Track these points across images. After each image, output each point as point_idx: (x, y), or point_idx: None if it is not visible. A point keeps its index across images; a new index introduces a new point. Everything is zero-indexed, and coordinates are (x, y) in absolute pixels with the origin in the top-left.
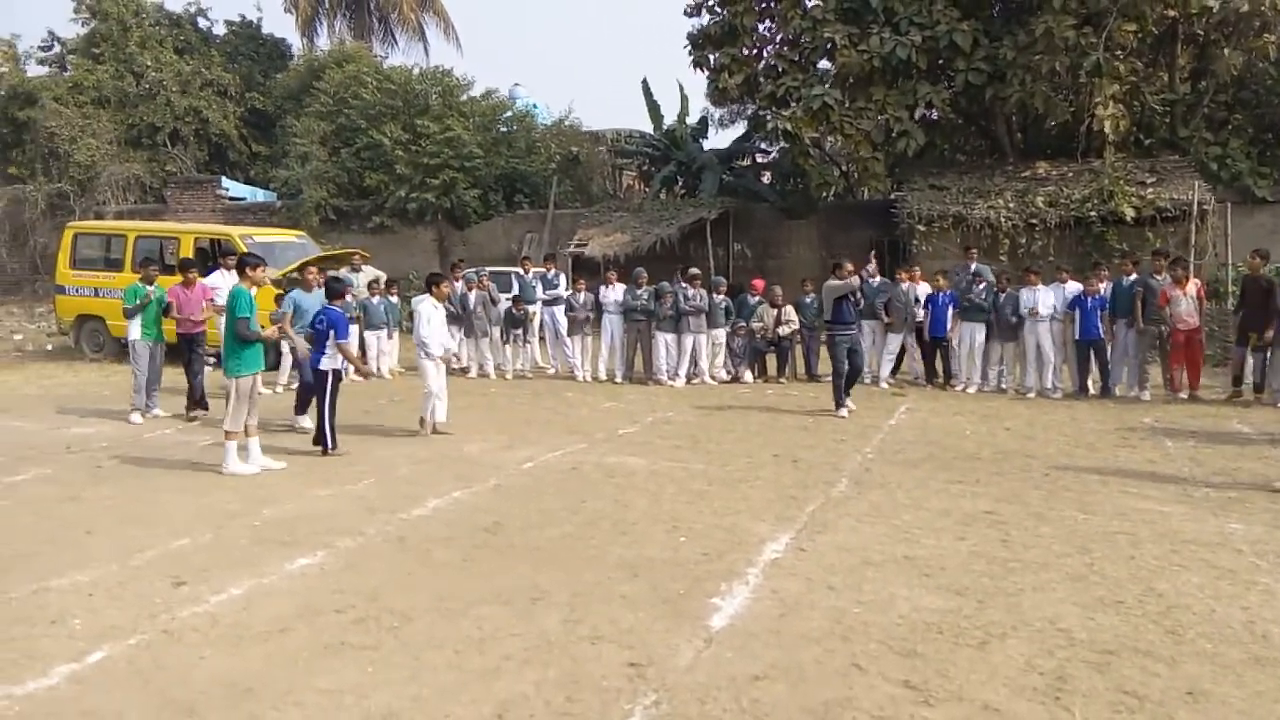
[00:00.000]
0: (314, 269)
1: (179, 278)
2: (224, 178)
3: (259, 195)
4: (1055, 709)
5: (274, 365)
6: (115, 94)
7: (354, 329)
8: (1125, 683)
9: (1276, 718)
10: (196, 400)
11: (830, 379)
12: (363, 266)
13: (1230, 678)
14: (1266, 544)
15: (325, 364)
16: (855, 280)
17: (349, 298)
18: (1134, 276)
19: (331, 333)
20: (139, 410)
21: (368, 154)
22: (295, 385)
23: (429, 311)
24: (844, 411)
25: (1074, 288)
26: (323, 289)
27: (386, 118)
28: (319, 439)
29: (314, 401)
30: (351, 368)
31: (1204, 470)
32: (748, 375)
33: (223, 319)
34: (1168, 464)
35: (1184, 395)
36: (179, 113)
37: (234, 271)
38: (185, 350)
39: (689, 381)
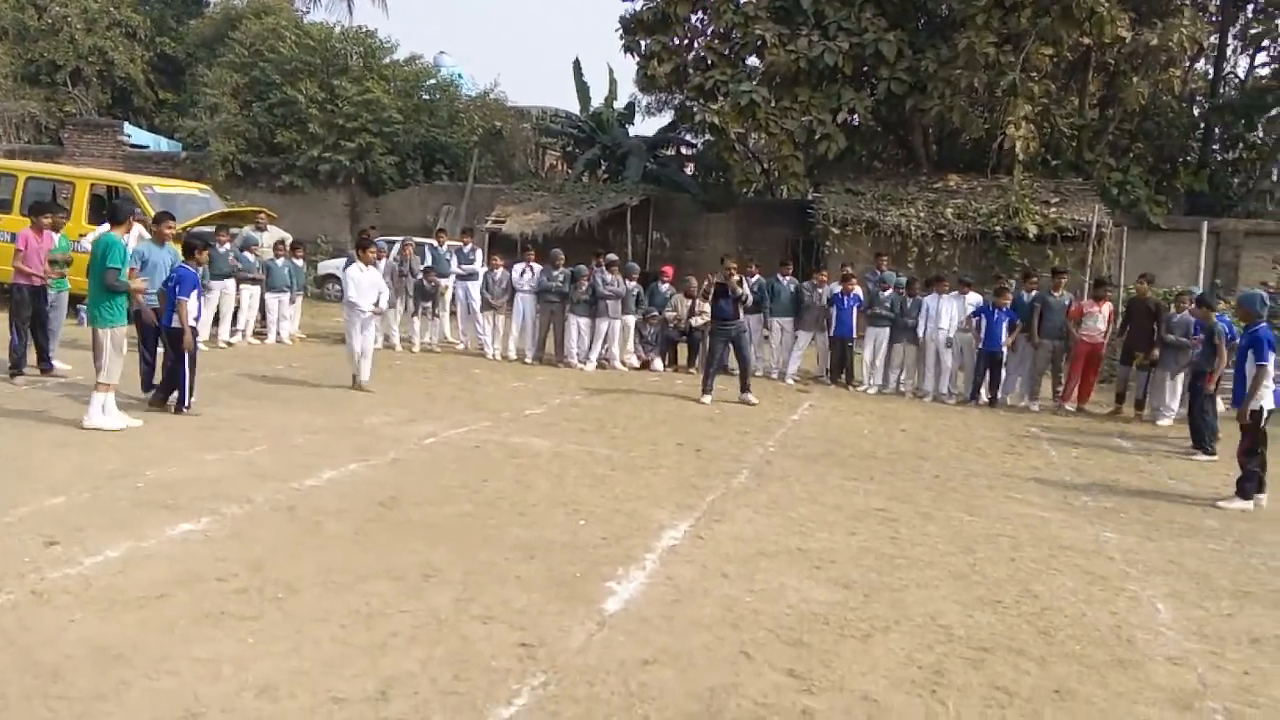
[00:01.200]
0: (170, 222)
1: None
2: (126, 123)
3: (163, 145)
4: (931, 702)
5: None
6: (14, 25)
7: (255, 290)
8: (998, 679)
9: (1135, 717)
10: (24, 359)
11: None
12: (268, 226)
13: (1095, 678)
14: (1137, 553)
15: (179, 321)
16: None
17: (251, 257)
18: (1035, 293)
19: (176, 288)
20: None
21: (281, 110)
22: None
23: (355, 274)
24: (706, 399)
25: (974, 299)
26: (180, 246)
27: (303, 75)
28: (180, 396)
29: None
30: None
31: (1084, 480)
32: (658, 363)
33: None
34: (1051, 472)
35: (1070, 408)
36: (82, 51)
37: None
38: (30, 302)
39: (599, 366)
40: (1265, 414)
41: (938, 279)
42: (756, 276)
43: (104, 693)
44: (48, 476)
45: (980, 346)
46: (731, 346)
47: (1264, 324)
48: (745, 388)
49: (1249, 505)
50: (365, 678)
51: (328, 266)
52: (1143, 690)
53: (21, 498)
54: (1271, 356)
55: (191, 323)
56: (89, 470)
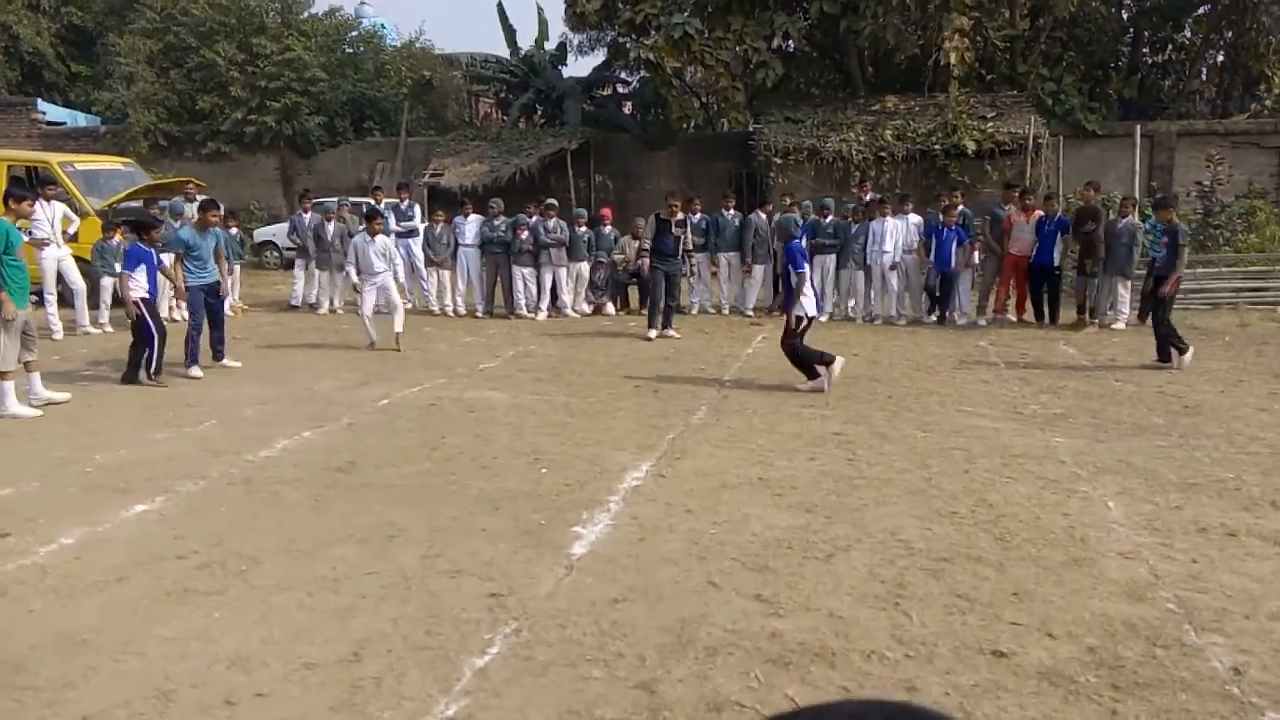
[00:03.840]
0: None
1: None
2: (40, 100)
3: (80, 120)
4: (895, 614)
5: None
6: None
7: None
8: (958, 587)
9: (1090, 612)
10: None
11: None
12: (197, 196)
13: (1051, 578)
14: (1086, 455)
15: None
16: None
17: (177, 224)
18: (960, 207)
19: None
20: None
21: (200, 75)
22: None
23: (360, 243)
24: (652, 334)
25: (916, 219)
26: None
27: (219, 36)
28: (148, 365)
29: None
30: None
31: (1033, 389)
32: (610, 308)
33: (41, 252)
34: (1000, 384)
35: (1012, 318)
36: None
37: (53, 203)
38: None
39: (551, 315)
40: (807, 320)
41: (880, 202)
42: (699, 215)
43: (72, 680)
44: None
45: (931, 265)
46: (665, 282)
47: (798, 240)
48: (667, 323)
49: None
50: (337, 641)
51: (265, 233)
52: (1097, 586)
53: None
54: (805, 266)
55: (144, 295)
56: (35, 459)
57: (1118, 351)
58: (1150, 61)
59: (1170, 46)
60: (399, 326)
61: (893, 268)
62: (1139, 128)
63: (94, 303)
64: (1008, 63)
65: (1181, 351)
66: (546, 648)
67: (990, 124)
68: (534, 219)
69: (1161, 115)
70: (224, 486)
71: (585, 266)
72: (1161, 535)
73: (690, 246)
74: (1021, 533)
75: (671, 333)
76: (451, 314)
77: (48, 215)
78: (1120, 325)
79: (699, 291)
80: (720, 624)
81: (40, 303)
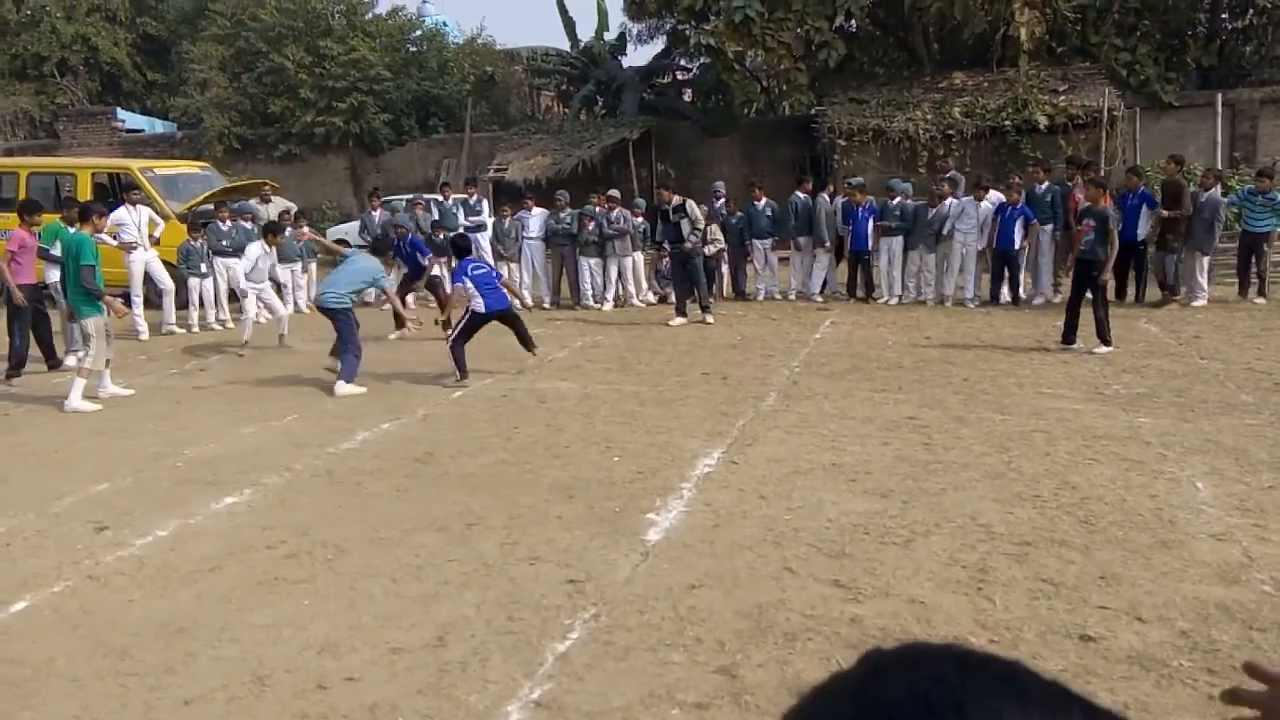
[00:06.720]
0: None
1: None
2: (119, 109)
3: (158, 126)
4: (978, 599)
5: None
6: None
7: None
8: (1042, 571)
9: (1182, 595)
10: (25, 360)
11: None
12: (273, 197)
13: (1139, 561)
14: (1173, 435)
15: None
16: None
17: (248, 225)
18: (1045, 184)
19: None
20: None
21: (270, 79)
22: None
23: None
24: (676, 320)
25: (995, 197)
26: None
27: (288, 40)
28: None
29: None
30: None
31: (1114, 369)
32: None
33: (129, 255)
34: (1080, 365)
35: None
36: (65, 41)
37: (139, 207)
38: (31, 300)
39: (617, 305)
40: (471, 315)
41: (978, 185)
42: (765, 201)
43: (172, 665)
44: (88, 464)
45: (994, 245)
46: (682, 269)
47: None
48: (705, 308)
49: None
50: (422, 626)
51: (337, 231)
52: (1188, 568)
53: (66, 486)
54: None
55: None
56: (128, 455)
57: (1202, 328)
58: (1230, 27)
59: (1251, 10)
60: None
61: (982, 251)
62: (1220, 97)
63: (180, 303)
64: (1079, 34)
65: (1106, 343)
66: (626, 633)
67: (1062, 97)
68: (610, 210)
69: (1243, 83)
70: (308, 478)
71: (639, 256)
72: (1255, 516)
73: (701, 228)
74: (1107, 515)
75: (709, 319)
76: (521, 306)
77: (134, 220)
78: (1201, 302)
79: (764, 277)
80: (798, 609)
81: (128, 304)
